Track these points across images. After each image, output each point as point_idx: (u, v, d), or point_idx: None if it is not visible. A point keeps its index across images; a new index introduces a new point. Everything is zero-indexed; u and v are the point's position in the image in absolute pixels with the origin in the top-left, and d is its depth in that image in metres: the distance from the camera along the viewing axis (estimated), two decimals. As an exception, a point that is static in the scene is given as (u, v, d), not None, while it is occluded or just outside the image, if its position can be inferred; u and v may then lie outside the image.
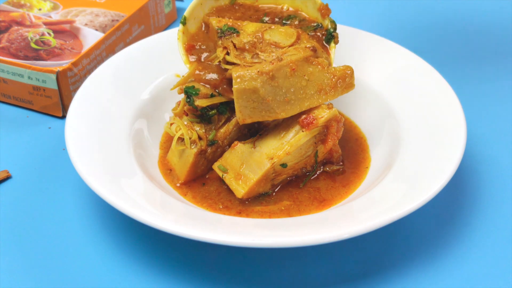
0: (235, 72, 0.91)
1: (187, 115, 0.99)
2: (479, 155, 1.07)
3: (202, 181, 0.99)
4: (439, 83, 1.06)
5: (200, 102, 0.96)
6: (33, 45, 1.20)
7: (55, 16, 1.29)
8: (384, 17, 1.51)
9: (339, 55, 1.18)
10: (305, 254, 0.90)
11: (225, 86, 0.98)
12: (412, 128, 1.00)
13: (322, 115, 0.93)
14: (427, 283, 0.86)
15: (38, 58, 1.16)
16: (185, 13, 1.03)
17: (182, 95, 1.09)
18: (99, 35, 1.23)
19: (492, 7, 1.53)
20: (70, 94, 1.16)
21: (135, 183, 0.92)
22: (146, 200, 0.89)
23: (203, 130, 0.98)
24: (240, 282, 0.86)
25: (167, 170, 1.01)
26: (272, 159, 0.93)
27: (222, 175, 0.96)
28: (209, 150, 0.98)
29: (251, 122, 0.93)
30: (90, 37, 1.23)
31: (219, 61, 0.98)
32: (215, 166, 0.97)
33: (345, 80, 0.95)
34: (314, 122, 0.93)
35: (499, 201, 0.98)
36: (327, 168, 1.00)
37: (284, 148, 0.93)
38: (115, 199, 0.85)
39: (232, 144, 0.96)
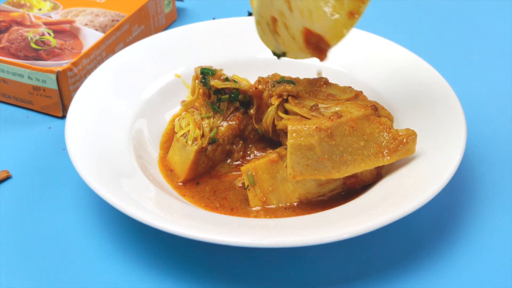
0: (291, 125, 0.87)
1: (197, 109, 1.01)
2: (479, 155, 1.07)
3: (196, 180, 0.99)
4: (439, 83, 1.06)
5: (215, 83, 0.98)
6: (33, 45, 1.20)
7: (55, 16, 1.29)
8: (384, 17, 1.51)
9: (339, 54, 1.18)
10: (305, 254, 0.89)
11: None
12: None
13: (368, 180, 0.92)
14: (427, 283, 0.86)
15: (38, 58, 1.16)
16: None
17: (183, 96, 1.09)
18: (99, 35, 1.23)
19: (492, 7, 1.53)
20: (70, 94, 1.16)
21: (135, 183, 0.92)
22: (146, 200, 0.89)
23: (209, 128, 0.99)
24: (240, 282, 0.86)
25: (168, 171, 1.01)
26: (300, 199, 0.93)
27: (247, 185, 0.93)
28: (209, 148, 0.98)
29: (302, 179, 0.90)
30: (90, 37, 1.23)
31: (276, 108, 0.96)
32: (245, 171, 0.93)
33: (407, 145, 0.90)
34: (358, 186, 0.92)
35: (499, 201, 0.98)
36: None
37: (318, 195, 0.93)
38: (115, 199, 0.85)
39: (272, 157, 0.93)
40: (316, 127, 0.87)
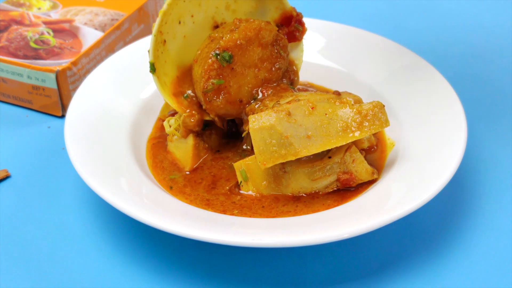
0: (251, 116, 0.89)
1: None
2: (479, 155, 1.07)
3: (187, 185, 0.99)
4: (439, 82, 1.06)
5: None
6: (32, 45, 1.19)
7: (55, 15, 1.29)
8: (384, 16, 1.51)
9: (339, 54, 1.18)
10: (305, 254, 0.89)
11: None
12: (412, 128, 1.00)
13: (363, 178, 0.92)
14: (427, 282, 0.86)
15: (38, 57, 1.16)
16: (151, 59, 0.95)
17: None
18: (99, 34, 1.23)
19: (493, 6, 1.53)
20: (69, 93, 1.16)
21: (134, 182, 0.92)
22: (146, 200, 0.89)
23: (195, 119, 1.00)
24: (240, 282, 0.86)
25: (158, 167, 1.00)
26: (294, 194, 0.93)
27: (241, 181, 0.94)
28: (204, 135, 1.01)
29: (273, 165, 0.89)
30: (90, 36, 1.22)
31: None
32: (238, 167, 0.94)
33: (375, 117, 0.90)
34: (352, 184, 0.93)
35: (499, 201, 0.98)
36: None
37: (312, 191, 0.93)
38: (113, 198, 0.84)
39: None
40: (274, 110, 0.89)
